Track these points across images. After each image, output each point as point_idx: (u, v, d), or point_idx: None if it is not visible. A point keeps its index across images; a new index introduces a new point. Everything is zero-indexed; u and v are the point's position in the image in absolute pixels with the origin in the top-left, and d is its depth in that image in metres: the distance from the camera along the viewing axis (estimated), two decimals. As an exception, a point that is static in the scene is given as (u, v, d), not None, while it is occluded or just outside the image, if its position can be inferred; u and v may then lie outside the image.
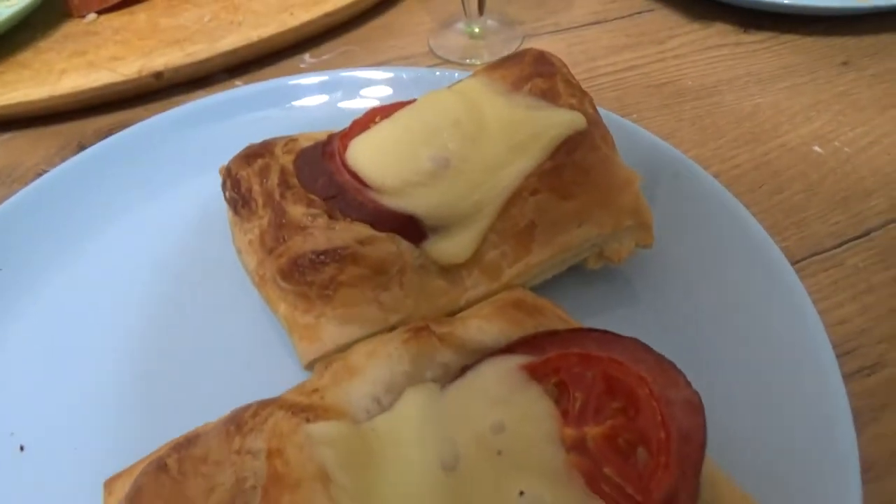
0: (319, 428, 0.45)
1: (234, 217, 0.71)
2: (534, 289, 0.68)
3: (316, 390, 0.52)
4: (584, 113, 0.71)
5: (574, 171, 0.68)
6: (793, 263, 0.72)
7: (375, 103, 0.82)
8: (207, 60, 1.08)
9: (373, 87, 0.94)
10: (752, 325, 0.63)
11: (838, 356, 0.63)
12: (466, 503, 0.46)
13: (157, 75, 1.04)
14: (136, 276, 0.72)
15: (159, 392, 0.62)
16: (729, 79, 0.99)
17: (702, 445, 0.49)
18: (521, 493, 0.45)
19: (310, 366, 0.61)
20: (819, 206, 0.79)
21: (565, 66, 0.77)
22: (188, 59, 1.06)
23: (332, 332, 0.63)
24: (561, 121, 0.69)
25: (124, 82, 1.03)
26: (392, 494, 0.46)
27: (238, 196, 0.70)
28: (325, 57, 1.14)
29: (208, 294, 0.70)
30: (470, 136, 0.71)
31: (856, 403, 0.60)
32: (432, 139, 0.71)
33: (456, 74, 0.91)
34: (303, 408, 0.48)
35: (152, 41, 1.12)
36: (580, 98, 0.73)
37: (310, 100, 0.93)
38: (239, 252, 0.70)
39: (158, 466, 0.44)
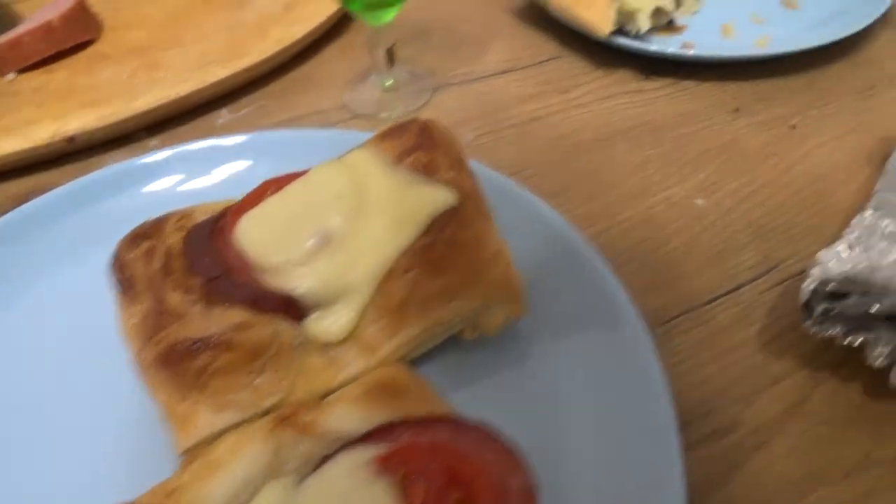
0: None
1: (120, 297, 0.73)
2: (413, 360, 0.72)
3: (175, 490, 0.54)
4: (460, 187, 0.75)
5: (445, 247, 0.71)
6: (667, 321, 0.77)
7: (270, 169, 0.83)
8: (123, 121, 1.10)
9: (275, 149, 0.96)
10: (601, 394, 0.67)
11: (697, 418, 0.67)
12: None
13: (70, 140, 1.06)
14: (22, 350, 0.74)
15: (26, 475, 0.64)
16: (626, 129, 1.03)
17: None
18: None
19: (184, 454, 0.63)
20: (696, 260, 0.83)
21: (448, 134, 0.80)
22: (102, 122, 1.08)
23: (206, 420, 0.65)
24: (434, 198, 0.72)
25: (37, 148, 1.05)
26: None
27: (123, 279, 0.72)
28: (242, 112, 1.16)
29: (93, 377, 0.72)
30: (353, 211, 0.74)
31: (708, 468, 0.64)
32: (316, 215, 0.74)
33: (353, 135, 0.93)
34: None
35: (68, 103, 1.13)
36: (458, 171, 0.77)
37: (223, 166, 0.96)
38: (124, 337, 0.72)
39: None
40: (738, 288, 0.80)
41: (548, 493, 0.59)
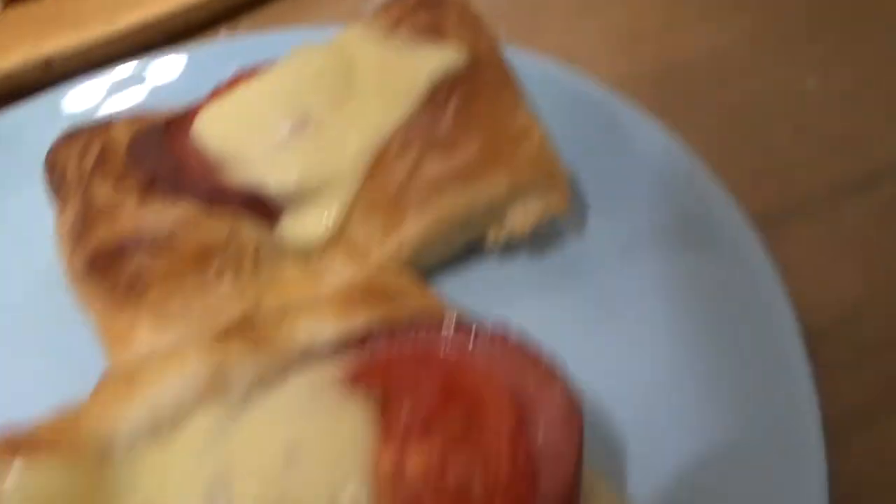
0: (11, 470, 0.33)
1: (55, 208, 0.60)
2: (424, 270, 0.55)
3: (77, 417, 0.40)
4: (474, 48, 0.58)
5: (453, 119, 0.54)
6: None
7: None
8: (105, 44, 0.97)
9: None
10: (696, 308, 0.48)
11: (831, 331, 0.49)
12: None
13: (47, 64, 0.94)
14: None
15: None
16: None
17: (576, 464, 0.35)
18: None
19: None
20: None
21: (467, -1, 0.63)
22: (81, 44, 0.95)
23: (147, 339, 0.50)
24: (435, 61, 0.56)
25: (11, 74, 0.94)
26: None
27: (54, 178, 0.58)
28: (241, 32, 1.02)
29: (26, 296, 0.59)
30: (337, 92, 0.58)
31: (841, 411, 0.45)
32: (292, 100, 0.58)
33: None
34: (31, 444, 0.36)
35: (49, 25, 1.01)
36: (474, 33, 0.60)
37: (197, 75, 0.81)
38: (58, 248, 0.58)
39: None
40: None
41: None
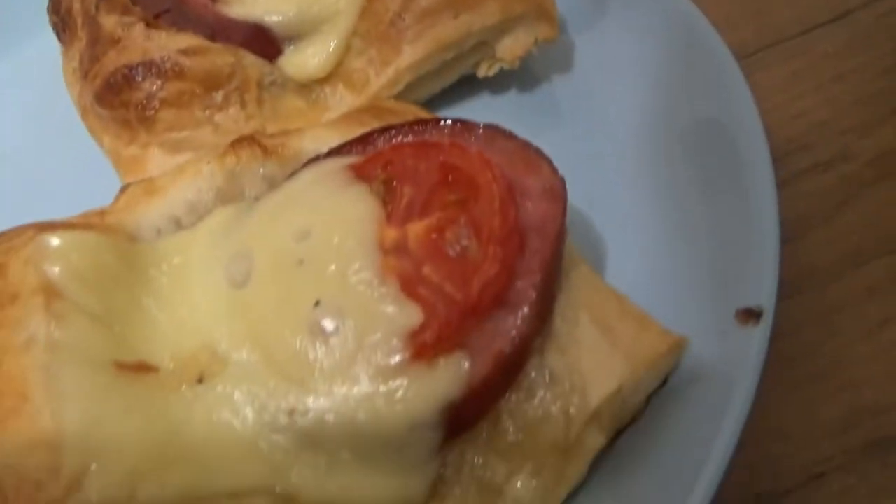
0: (56, 237, 0.36)
1: (62, 48, 0.61)
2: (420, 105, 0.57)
3: (101, 213, 0.43)
4: None
5: (446, -50, 0.55)
6: (751, 54, 0.60)
7: None
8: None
9: None
10: (674, 130, 0.50)
11: (793, 151, 0.52)
12: (254, 322, 0.37)
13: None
14: None
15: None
16: None
17: (557, 236, 0.38)
18: (317, 303, 0.36)
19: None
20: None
21: None
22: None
23: (159, 163, 0.53)
24: None
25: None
26: (162, 314, 0.38)
27: (58, 18, 0.59)
28: None
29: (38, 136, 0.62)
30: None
31: (808, 204, 0.50)
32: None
33: None
34: (58, 226, 0.39)
35: None
36: None
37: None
38: (68, 87, 0.59)
39: None
40: (847, 14, 0.61)
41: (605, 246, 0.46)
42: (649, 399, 0.39)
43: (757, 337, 0.36)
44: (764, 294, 0.38)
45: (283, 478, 0.33)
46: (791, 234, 0.46)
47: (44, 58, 0.64)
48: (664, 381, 0.39)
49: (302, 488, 0.33)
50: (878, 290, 0.45)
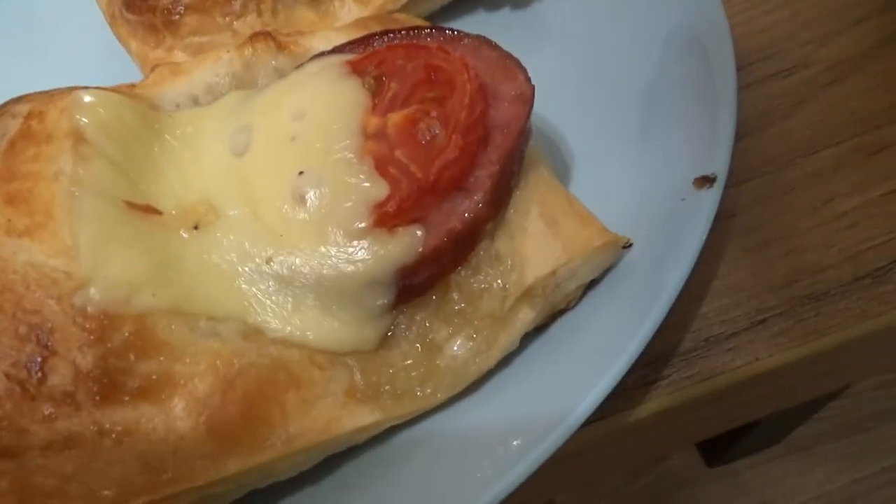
0: (88, 94, 0.42)
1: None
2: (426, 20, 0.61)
3: (131, 86, 0.49)
4: None
5: None
6: None
7: None
8: None
9: None
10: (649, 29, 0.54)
11: (758, 60, 0.56)
12: (247, 185, 0.42)
13: None
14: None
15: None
16: None
17: (518, 135, 0.43)
18: (301, 172, 0.41)
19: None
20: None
21: None
22: None
23: (182, 63, 0.60)
24: None
25: None
26: (172, 172, 0.44)
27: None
28: None
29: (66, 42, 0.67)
30: None
31: (770, 103, 0.55)
32: None
33: None
34: (96, 89, 0.45)
35: None
36: None
37: None
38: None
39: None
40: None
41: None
42: (584, 290, 0.44)
43: (710, 196, 0.42)
44: (718, 164, 0.43)
45: (254, 312, 0.39)
46: (752, 128, 0.52)
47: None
48: (601, 276, 0.44)
49: (269, 322, 0.39)
50: (823, 175, 0.51)
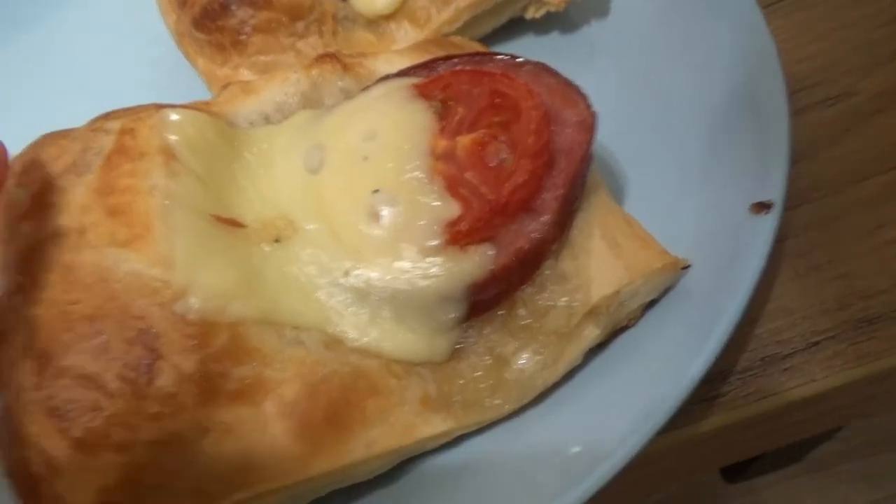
0: (175, 112, 0.45)
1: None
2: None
3: (206, 103, 0.51)
4: None
5: None
6: (768, 5, 0.65)
7: None
8: None
9: None
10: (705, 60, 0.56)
11: (805, 88, 0.59)
12: (323, 202, 0.45)
13: None
14: (74, 49, 0.72)
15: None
16: None
17: (582, 160, 0.45)
18: (376, 191, 0.44)
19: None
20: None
21: None
22: None
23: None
24: None
25: None
26: (251, 187, 0.46)
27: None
28: None
29: (134, 58, 0.70)
30: None
31: (816, 131, 0.57)
32: None
33: None
34: (182, 106, 0.48)
35: None
36: None
37: None
38: (162, 15, 0.68)
39: (29, 145, 0.45)
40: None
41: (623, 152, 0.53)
42: (644, 309, 0.46)
43: (768, 222, 0.44)
44: (774, 190, 0.46)
45: (334, 323, 0.42)
46: (801, 155, 0.55)
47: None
48: (660, 296, 0.46)
49: (347, 333, 0.41)
50: (872, 201, 0.53)
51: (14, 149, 0.47)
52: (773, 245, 0.44)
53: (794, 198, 0.52)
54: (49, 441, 0.35)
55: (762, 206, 0.45)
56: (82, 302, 0.37)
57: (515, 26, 0.66)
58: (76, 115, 0.52)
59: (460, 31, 0.63)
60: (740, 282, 0.42)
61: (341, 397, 0.39)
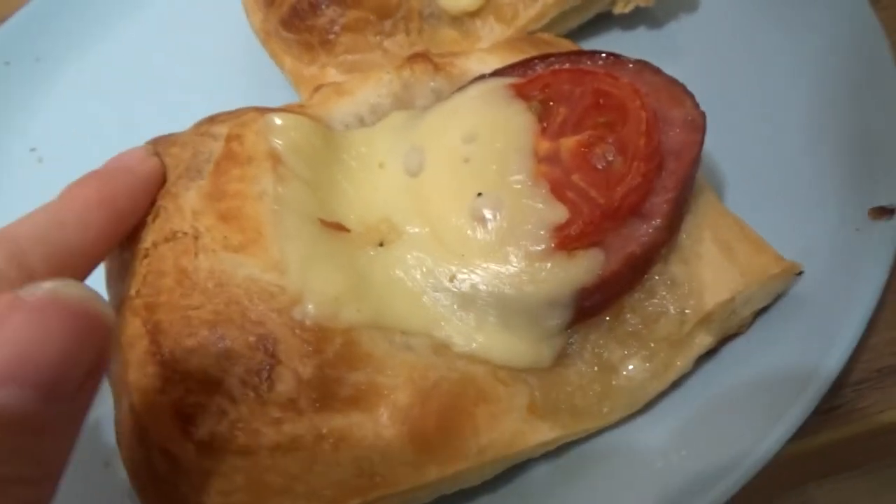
0: (279, 117, 0.45)
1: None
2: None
3: (301, 106, 0.52)
4: None
5: None
6: None
7: None
8: None
9: None
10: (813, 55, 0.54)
11: None
12: (425, 204, 0.44)
13: None
14: (152, 57, 0.74)
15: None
16: None
17: (693, 162, 0.44)
18: (479, 194, 0.43)
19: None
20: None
21: None
22: None
23: (336, 80, 0.62)
24: None
25: None
26: (352, 190, 0.46)
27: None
28: None
29: (219, 61, 0.71)
30: None
31: None
32: None
33: None
34: (277, 110, 0.48)
35: None
36: None
37: None
38: (247, 14, 0.69)
39: (144, 147, 0.46)
40: None
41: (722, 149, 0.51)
42: (755, 316, 0.44)
43: (890, 229, 0.42)
44: (894, 194, 0.43)
45: (440, 328, 0.41)
46: None
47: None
48: (771, 302, 0.44)
49: (454, 338, 0.41)
50: None
51: (117, 147, 0.49)
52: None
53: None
54: (174, 443, 0.36)
55: (882, 212, 0.43)
56: (203, 307, 0.37)
57: (602, 21, 0.65)
58: (165, 114, 0.54)
59: (546, 28, 0.62)
60: (862, 291, 0.40)
61: (452, 404, 0.38)
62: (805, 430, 0.43)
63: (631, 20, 0.64)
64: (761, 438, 0.37)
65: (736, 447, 0.38)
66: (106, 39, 0.76)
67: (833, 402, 0.44)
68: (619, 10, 0.62)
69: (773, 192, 0.49)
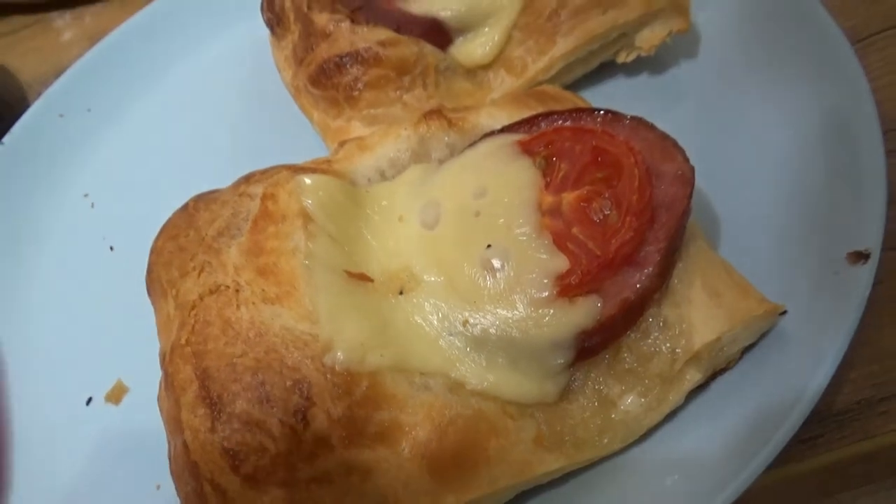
0: (308, 178, 0.50)
1: (272, 38, 0.76)
2: (566, 87, 0.67)
3: (327, 161, 0.57)
4: None
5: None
6: (864, 38, 0.66)
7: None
8: None
9: None
10: (799, 104, 0.58)
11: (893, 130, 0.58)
12: (440, 255, 0.49)
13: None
14: (196, 108, 0.80)
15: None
16: None
17: (682, 214, 0.48)
18: (488, 246, 0.48)
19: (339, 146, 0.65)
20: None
21: None
22: None
23: (359, 133, 0.66)
24: None
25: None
26: (375, 242, 0.51)
27: (273, 15, 0.74)
28: None
29: (258, 112, 0.77)
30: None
31: None
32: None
33: None
34: (306, 169, 0.53)
35: None
36: None
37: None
38: (279, 71, 0.74)
39: (183, 207, 0.52)
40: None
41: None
42: (743, 352, 0.48)
43: (865, 272, 0.46)
44: (872, 239, 0.47)
45: (455, 368, 0.46)
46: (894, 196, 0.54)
47: (254, 39, 0.79)
48: (757, 340, 0.48)
49: (468, 377, 0.46)
50: None
51: (163, 192, 0.54)
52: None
53: (889, 240, 0.51)
54: (223, 476, 0.41)
55: (859, 256, 0.47)
56: (246, 355, 0.43)
57: (606, 69, 0.70)
58: (208, 157, 0.58)
59: (554, 78, 0.67)
60: (839, 331, 0.44)
61: (466, 438, 0.43)
62: (789, 457, 0.47)
63: (633, 67, 0.69)
64: (747, 463, 0.41)
65: (724, 471, 0.42)
66: (152, 91, 0.82)
67: (816, 432, 0.48)
68: (622, 59, 0.67)
69: (760, 236, 0.53)
